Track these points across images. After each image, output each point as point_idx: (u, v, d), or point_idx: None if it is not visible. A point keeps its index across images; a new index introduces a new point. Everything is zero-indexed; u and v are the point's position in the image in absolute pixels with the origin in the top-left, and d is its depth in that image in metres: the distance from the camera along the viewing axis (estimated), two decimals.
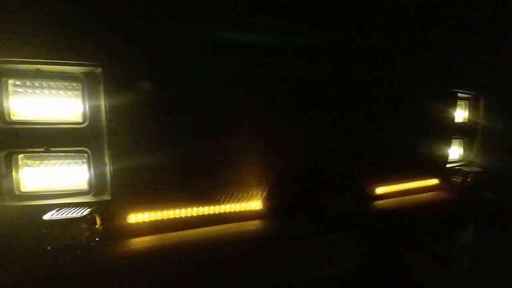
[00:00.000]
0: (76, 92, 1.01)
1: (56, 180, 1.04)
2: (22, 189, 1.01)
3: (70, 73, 0.99)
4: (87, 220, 0.88)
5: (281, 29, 1.10)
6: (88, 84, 1.00)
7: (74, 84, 1.00)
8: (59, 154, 1.02)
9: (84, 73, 0.99)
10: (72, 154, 1.04)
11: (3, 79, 0.94)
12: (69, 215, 0.86)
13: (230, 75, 1.08)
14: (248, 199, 1.24)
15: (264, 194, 1.25)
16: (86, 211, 0.90)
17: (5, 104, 0.94)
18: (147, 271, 0.98)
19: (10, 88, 0.95)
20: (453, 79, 1.71)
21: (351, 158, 1.38)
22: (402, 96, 1.50)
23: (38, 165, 1.02)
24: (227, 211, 1.20)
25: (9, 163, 0.97)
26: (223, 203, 1.19)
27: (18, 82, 0.96)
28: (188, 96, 1.05)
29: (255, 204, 1.25)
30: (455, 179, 1.74)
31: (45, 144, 0.98)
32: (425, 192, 1.69)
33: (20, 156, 0.99)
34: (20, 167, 1.00)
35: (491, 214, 2.09)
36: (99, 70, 0.97)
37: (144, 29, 0.96)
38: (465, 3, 1.42)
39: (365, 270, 1.49)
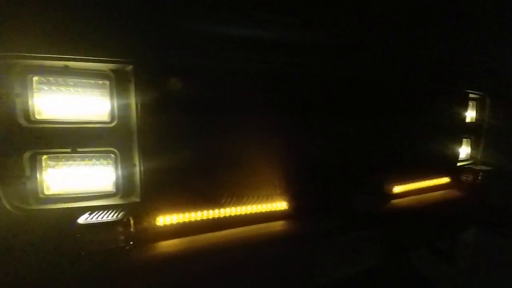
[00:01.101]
0: (104, 90, 0.97)
1: (82, 182, 1.00)
2: (46, 192, 0.96)
3: (99, 70, 0.95)
4: (123, 223, 0.85)
5: (316, 30, 1.09)
6: (117, 82, 0.96)
7: (103, 82, 0.96)
8: (86, 155, 0.98)
9: (113, 70, 0.95)
10: (99, 154, 1.00)
11: (29, 76, 0.89)
12: (104, 219, 0.83)
13: (262, 74, 1.06)
14: (275, 199, 1.23)
15: (290, 194, 1.24)
16: (120, 214, 0.86)
17: (30, 102, 0.89)
18: (179, 275, 0.96)
19: (36, 86, 0.90)
20: (465, 80, 1.74)
21: (373, 158, 1.39)
22: (420, 98, 1.52)
23: (64, 166, 0.97)
24: (254, 211, 1.19)
25: (34, 164, 0.92)
26: (250, 204, 1.18)
27: (44, 79, 0.91)
28: (221, 95, 1.03)
29: (281, 204, 1.24)
30: (466, 178, 1.79)
31: (72, 144, 0.94)
32: (438, 190, 1.73)
33: (45, 156, 0.94)
34: (45, 168, 0.95)
35: (494, 213, 2.16)
36: (130, 67, 0.93)
37: (178, 25, 0.93)
38: (477, 9, 1.44)
39: (383, 267, 1.50)
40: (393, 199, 1.49)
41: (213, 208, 1.10)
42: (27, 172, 0.91)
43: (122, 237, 0.85)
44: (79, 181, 1.00)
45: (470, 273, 2.17)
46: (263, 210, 1.20)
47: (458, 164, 1.84)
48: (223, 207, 1.12)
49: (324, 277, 1.26)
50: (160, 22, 0.93)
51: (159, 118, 0.97)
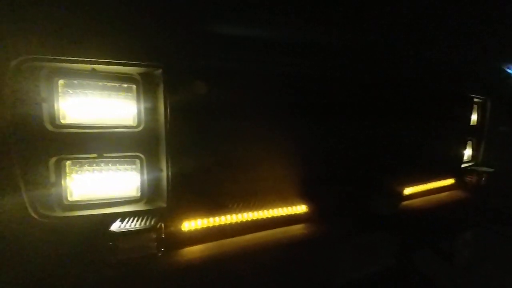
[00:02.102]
0: (131, 94, 0.95)
1: (106, 187, 0.97)
2: (70, 198, 0.93)
3: (126, 73, 0.93)
4: (157, 230, 0.83)
5: (339, 37, 1.10)
6: (144, 86, 0.94)
7: (130, 86, 0.94)
8: (111, 160, 0.96)
9: (141, 74, 0.93)
10: (125, 160, 0.97)
11: (55, 79, 0.86)
12: (138, 226, 0.81)
13: (290, 78, 1.06)
14: (296, 202, 1.23)
15: (310, 198, 1.25)
16: (153, 221, 0.85)
17: (56, 106, 0.86)
18: (208, 281, 0.95)
19: (62, 89, 0.88)
20: (470, 85, 1.80)
21: (387, 161, 1.42)
22: (431, 104, 1.57)
23: (89, 172, 0.95)
24: (277, 215, 1.19)
25: (59, 170, 0.89)
26: (274, 207, 1.18)
27: (70, 83, 0.88)
28: (250, 99, 1.03)
29: (301, 207, 1.25)
30: (470, 179, 1.85)
31: (98, 149, 0.92)
32: (444, 191, 1.78)
33: (70, 162, 0.91)
34: (70, 174, 0.92)
35: (495, 213, 2.24)
36: (159, 71, 0.91)
37: (207, 29, 0.92)
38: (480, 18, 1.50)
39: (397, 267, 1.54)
40: (405, 200, 1.53)
41: (237, 213, 1.10)
42: (52, 178, 0.88)
43: (155, 244, 0.84)
44: (103, 187, 0.97)
45: (474, 273, 2.25)
46: (285, 214, 1.21)
47: (462, 166, 1.90)
48: (247, 211, 1.11)
49: (343, 277, 1.28)
50: (189, 26, 0.92)
51: (187, 122, 0.95)
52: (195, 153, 0.99)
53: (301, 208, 1.25)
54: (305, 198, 1.25)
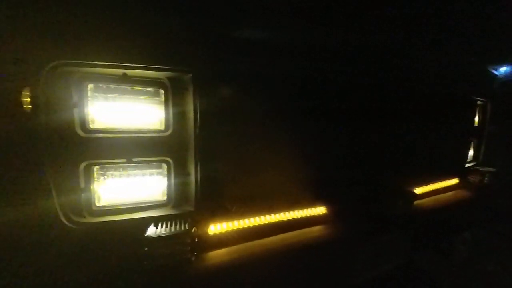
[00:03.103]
0: (159, 98, 0.95)
1: (134, 192, 0.97)
2: (98, 203, 0.93)
3: (155, 78, 0.93)
4: (192, 234, 0.84)
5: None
6: (173, 90, 0.94)
7: (158, 90, 0.94)
8: (139, 164, 0.95)
9: (170, 79, 0.93)
10: (152, 164, 0.97)
11: (85, 84, 0.85)
12: (173, 230, 0.81)
13: (316, 83, 1.08)
14: (315, 205, 1.26)
15: (329, 200, 1.27)
16: (186, 225, 0.85)
17: (86, 111, 0.85)
18: (238, 284, 0.96)
19: (91, 94, 0.87)
20: (473, 88, 1.87)
21: (401, 163, 1.46)
22: (440, 107, 1.62)
23: (117, 177, 0.94)
24: (298, 217, 1.21)
25: (88, 176, 0.89)
26: (295, 210, 1.20)
27: (99, 87, 0.87)
28: (278, 104, 1.04)
29: (320, 209, 1.27)
30: (473, 179, 1.91)
31: (127, 154, 0.91)
32: (450, 191, 1.84)
33: (99, 167, 0.91)
34: (98, 179, 0.91)
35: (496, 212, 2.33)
36: (188, 75, 0.92)
37: (236, 35, 0.92)
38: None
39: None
40: (416, 200, 1.57)
41: (261, 215, 1.11)
42: (82, 183, 0.87)
43: (189, 248, 0.84)
44: (130, 191, 0.97)
45: (456, 264, 2.33)
46: (305, 215, 1.23)
47: (466, 165, 1.97)
48: (270, 214, 1.13)
49: (360, 277, 1.32)
50: (219, 32, 0.92)
51: (216, 127, 0.96)
52: (222, 157, 0.99)
53: (320, 210, 1.27)
54: (324, 200, 1.27)
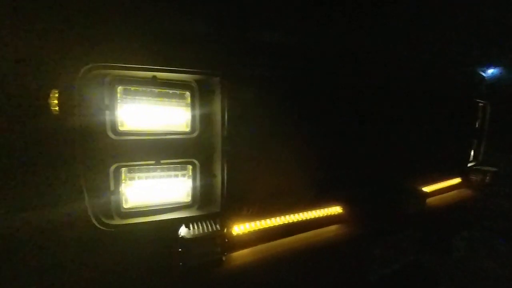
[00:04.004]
0: (187, 101, 0.96)
1: (160, 194, 0.98)
2: (125, 205, 0.93)
3: (183, 81, 0.94)
4: (224, 234, 0.85)
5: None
6: (201, 92, 0.95)
7: (186, 93, 0.95)
8: (166, 166, 0.96)
9: (197, 81, 0.95)
10: (179, 166, 0.98)
11: (115, 86, 0.85)
12: (206, 231, 0.83)
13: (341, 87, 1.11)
14: (332, 204, 1.29)
15: (345, 199, 1.31)
16: (217, 225, 0.87)
17: (116, 113, 0.86)
18: (264, 282, 0.98)
19: (122, 96, 0.87)
20: (475, 90, 1.94)
21: (412, 164, 1.51)
22: (446, 109, 1.68)
23: (144, 179, 0.95)
24: (316, 216, 1.24)
25: (117, 178, 0.89)
26: (313, 210, 1.22)
27: (129, 90, 0.88)
28: (305, 107, 1.06)
29: (336, 209, 1.30)
30: (475, 178, 1.98)
31: (155, 156, 0.92)
32: (453, 190, 1.90)
33: (127, 169, 0.91)
34: (126, 181, 0.92)
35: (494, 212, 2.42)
36: (216, 78, 0.93)
37: (264, 38, 0.94)
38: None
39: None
40: (426, 199, 1.62)
41: (282, 215, 1.13)
42: (111, 185, 0.88)
43: (221, 248, 0.85)
44: (156, 193, 0.97)
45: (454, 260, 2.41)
46: (323, 215, 1.25)
47: (469, 165, 2.03)
48: (291, 214, 1.15)
49: (375, 273, 1.35)
50: (247, 35, 0.94)
51: (243, 129, 0.98)
52: (248, 159, 1.01)
53: (336, 210, 1.30)
54: (340, 200, 1.30)
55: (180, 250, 0.81)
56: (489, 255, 2.46)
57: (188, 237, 0.80)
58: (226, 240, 0.90)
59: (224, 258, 0.88)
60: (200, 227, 0.87)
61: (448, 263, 2.48)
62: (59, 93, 0.77)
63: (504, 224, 2.55)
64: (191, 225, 0.87)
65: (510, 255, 2.45)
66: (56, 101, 0.78)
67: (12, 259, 0.76)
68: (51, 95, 0.79)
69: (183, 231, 0.83)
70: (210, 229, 0.84)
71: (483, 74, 2.22)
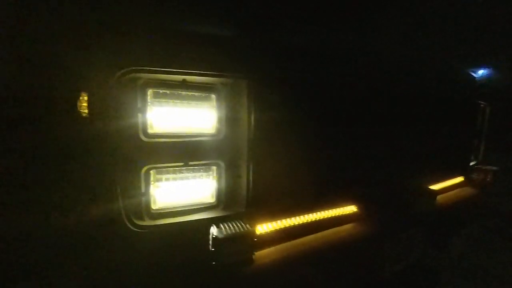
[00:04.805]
0: (214, 103, 0.97)
1: (185, 195, 0.99)
2: (154, 207, 0.95)
3: (211, 84, 0.96)
4: (254, 233, 0.88)
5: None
6: (227, 96, 0.98)
7: (213, 95, 0.97)
8: (193, 168, 0.98)
9: (225, 84, 0.97)
10: (205, 167, 1.00)
11: (147, 90, 0.87)
12: (237, 230, 0.85)
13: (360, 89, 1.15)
14: (348, 203, 1.32)
15: (360, 198, 1.34)
16: (247, 225, 0.89)
17: (148, 116, 0.87)
18: (291, 279, 1.01)
19: (152, 99, 0.89)
20: (477, 92, 2.01)
21: (422, 163, 1.56)
22: (451, 111, 1.75)
23: (172, 180, 0.96)
24: (333, 215, 1.27)
25: (147, 179, 0.90)
26: (330, 209, 1.26)
27: (159, 93, 0.90)
28: (330, 110, 1.10)
29: (351, 208, 1.34)
30: (477, 177, 2.05)
31: (183, 158, 0.94)
32: (456, 188, 1.96)
33: (157, 171, 0.93)
34: (156, 183, 0.93)
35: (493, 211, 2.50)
36: (244, 81, 0.95)
37: (291, 42, 0.97)
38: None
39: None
40: (436, 197, 1.67)
41: (304, 214, 1.16)
42: (142, 187, 0.89)
43: (251, 247, 0.88)
44: (183, 194, 0.99)
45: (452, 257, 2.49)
46: (340, 214, 1.29)
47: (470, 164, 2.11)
48: (311, 213, 1.18)
49: (387, 270, 1.40)
50: (275, 39, 0.97)
51: (268, 132, 1.00)
52: (272, 160, 1.04)
53: (351, 209, 1.34)
54: (355, 199, 1.34)
55: (213, 249, 0.83)
56: (488, 253, 2.54)
57: (221, 236, 0.82)
58: (255, 239, 0.92)
59: (253, 257, 0.90)
60: (230, 227, 0.89)
61: (448, 260, 2.56)
62: (92, 96, 0.78)
63: (503, 222, 2.64)
64: (221, 225, 0.89)
65: (508, 253, 2.54)
66: (85, 104, 0.80)
67: (53, 258, 0.78)
68: (80, 98, 0.80)
69: (214, 231, 0.85)
70: (240, 229, 0.87)
71: (474, 75, 2.30)
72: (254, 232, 0.90)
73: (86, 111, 0.79)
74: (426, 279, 2.35)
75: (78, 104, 0.79)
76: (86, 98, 0.79)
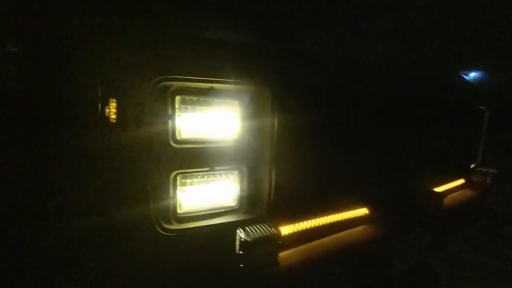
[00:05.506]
0: (238, 110, 1.00)
1: (209, 199, 1.02)
2: (179, 211, 0.97)
3: (235, 91, 0.99)
4: (280, 236, 0.91)
5: None
6: (252, 103, 1.01)
7: (238, 103, 1.00)
8: (218, 172, 1.01)
9: (249, 92, 1.00)
10: (228, 172, 1.03)
11: (176, 97, 0.89)
12: (264, 233, 0.88)
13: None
14: (359, 206, 1.37)
15: (371, 200, 1.39)
16: (272, 228, 0.92)
17: (177, 123, 0.90)
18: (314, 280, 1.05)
19: (180, 106, 0.91)
20: (479, 97, 2.09)
21: (428, 167, 1.62)
22: (455, 115, 1.82)
23: (197, 185, 0.99)
24: (345, 218, 1.31)
25: (175, 184, 0.93)
26: (344, 211, 1.30)
27: (186, 100, 0.92)
28: (351, 118, 1.14)
29: (363, 210, 1.38)
30: (477, 179, 2.12)
31: (209, 163, 0.97)
32: (458, 190, 2.03)
33: (183, 176, 0.95)
34: (181, 187, 0.96)
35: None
36: (268, 90, 0.98)
37: (313, 52, 1.01)
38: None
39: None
40: (442, 199, 1.73)
41: (322, 216, 1.20)
42: (171, 192, 0.92)
43: (276, 249, 0.91)
44: (207, 199, 1.02)
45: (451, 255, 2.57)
46: (353, 216, 1.33)
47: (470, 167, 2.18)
48: (329, 214, 1.22)
49: (395, 271, 1.45)
50: (296, 49, 1.00)
51: (290, 139, 1.04)
52: (292, 165, 1.08)
53: (363, 211, 1.39)
54: (367, 202, 1.39)
55: (241, 252, 0.86)
56: (487, 251, 2.63)
57: (250, 240, 0.85)
58: (280, 242, 0.96)
59: (278, 259, 0.94)
60: (256, 230, 0.92)
61: (447, 259, 2.64)
62: (128, 103, 0.80)
63: (502, 222, 2.74)
64: (247, 229, 0.92)
65: (506, 252, 2.62)
66: (121, 111, 0.82)
67: (87, 259, 0.80)
68: (116, 105, 0.82)
69: (242, 234, 0.88)
70: (267, 232, 0.90)
71: (466, 77, 2.38)
72: (279, 234, 0.93)
73: (121, 117, 0.81)
74: (426, 277, 2.42)
75: (114, 110, 0.81)
76: (122, 105, 0.81)
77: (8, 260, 0.78)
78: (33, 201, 0.81)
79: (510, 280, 2.38)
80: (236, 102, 1.01)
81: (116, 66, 0.79)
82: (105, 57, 0.79)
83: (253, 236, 0.86)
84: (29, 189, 0.91)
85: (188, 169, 0.93)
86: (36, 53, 0.93)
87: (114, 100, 0.78)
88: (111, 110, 0.76)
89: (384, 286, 1.53)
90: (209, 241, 0.95)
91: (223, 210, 1.04)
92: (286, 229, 1.12)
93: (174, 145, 0.89)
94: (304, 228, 1.15)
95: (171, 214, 0.93)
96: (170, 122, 0.88)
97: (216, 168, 0.98)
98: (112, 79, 0.80)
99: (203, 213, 1.01)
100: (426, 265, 2.50)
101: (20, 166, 0.81)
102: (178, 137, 0.91)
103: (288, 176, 1.07)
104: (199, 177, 0.99)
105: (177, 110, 0.90)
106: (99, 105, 0.76)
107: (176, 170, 0.91)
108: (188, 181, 0.97)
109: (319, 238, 1.20)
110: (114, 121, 0.79)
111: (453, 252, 2.76)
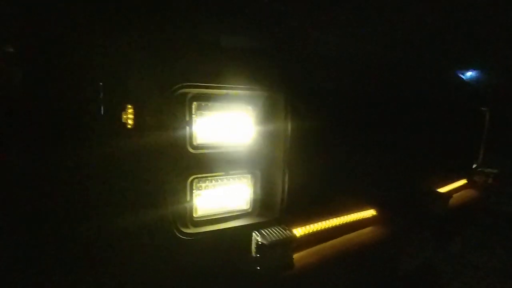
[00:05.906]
0: (252, 116, 1.02)
1: (223, 203, 1.04)
2: (195, 215, 0.99)
3: (250, 97, 1.00)
4: (295, 238, 0.93)
5: None
6: (265, 109, 1.02)
7: (252, 108, 1.02)
8: (232, 177, 1.02)
9: (263, 97, 1.02)
10: (242, 176, 1.05)
11: (193, 104, 0.91)
12: (280, 236, 0.90)
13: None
14: (367, 208, 1.39)
15: (379, 201, 1.42)
16: (287, 231, 0.94)
17: (194, 128, 0.92)
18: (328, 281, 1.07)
19: (197, 112, 0.93)
20: (481, 98, 2.13)
21: (433, 168, 1.65)
22: (461, 117, 1.85)
23: (211, 189, 1.00)
24: (354, 219, 1.34)
25: (191, 189, 0.95)
26: (353, 213, 1.33)
27: (202, 105, 0.94)
28: (363, 124, 1.17)
29: (370, 211, 1.41)
30: (479, 179, 2.16)
31: (225, 167, 0.98)
32: (460, 190, 2.07)
33: (200, 180, 0.97)
34: (197, 191, 0.97)
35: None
36: (281, 95, 1.00)
37: (326, 59, 1.03)
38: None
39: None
40: (448, 200, 1.76)
41: (332, 218, 1.22)
42: (188, 196, 0.93)
43: (291, 252, 0.93)
44: (221, 203, 1.03)
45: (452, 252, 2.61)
46: (361, 218, 1.36)
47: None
48: (339, 216, 1.25)
49: (402, 271, 1.47)
50: (310, 54, 1.02)
51: (302, 144, 1.06)
52: (304, 169, 1.10)
53: (371, 212, 1.41)
54: (375, 203, 1.41)
55: (257, 255, 0.88)
56: (488, 251, 2.67)
57: (266, 243, 0.87)
58: (294, 245, 0.98)
59: (293, 261, 0.96)
60: (271, 233, 0.94)
61: (449, 259, 2.68)
62: (148, 110, 0.82)
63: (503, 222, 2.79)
64: (262, 232, 0.94)
65: (507, 252, 2.67)
66: (141, 117, 0.83)
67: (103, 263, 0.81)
68: (127, 110, 0.84)
69: (259, 237, 0.90)
70: (282, 234, 0.92)
71: (463, 77, 2.42)
72: (295, 236, 0.95)
73: (141, 123, 0.83)
74: (427, 277, 2.45)
75: (134, 117, 0.82)
76: (141, 111, 0.83)
77: (37, 261, 0.79)
78: (55, 206, 0.83)
79: (510, 280, 2.43)
80: (250, 108, 1.03)
81: (137, 74, 0.81)
82: (126, 66, 0.81)
83: (269, 239, 0.88)
84: (49, 195, 0.93)
85: (204, 173, 0.95)
86: (54, 60, 0.95)
87: (137, 107, 0.79)
88: (136, 117, 0.78)
89: (388, 286, 1.56)
90: (224, 244, 0.97)
91: (236, 214, 1.06)
92: (298, 231, 1.14)
93: (191, 150, 0.91)
94: (315, 229, 1.18)
95: (188, 218, 0.94)
96: (187, 128, 0.89)
97: (231, 172, 1.00)
98: (131, 86, 0.82)
99: (218, 216, 1.03)
100: (427, 265, 2.55)
101: (43, 173, 0.82)
102: (194, 142, 0.92)
103: (300, 179, 1.09)
104: (214, 181, 1.01)
105: (194, 116, 0.92)
106: (122, 113, 0.77)
107: (193, 174, 0.92)
108: (203, 185, 0.99)
109: (329, 240, 1.22)
110: (137, 128, 0.81)
111: (454, 252, 2.79)
